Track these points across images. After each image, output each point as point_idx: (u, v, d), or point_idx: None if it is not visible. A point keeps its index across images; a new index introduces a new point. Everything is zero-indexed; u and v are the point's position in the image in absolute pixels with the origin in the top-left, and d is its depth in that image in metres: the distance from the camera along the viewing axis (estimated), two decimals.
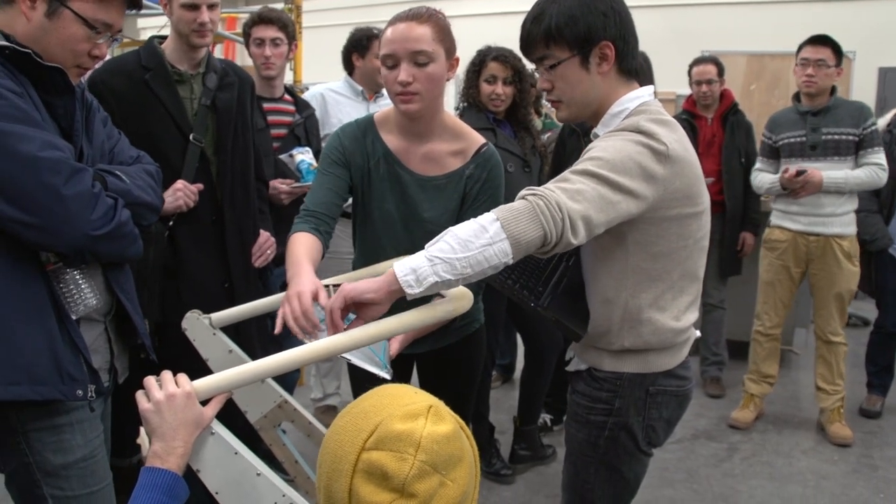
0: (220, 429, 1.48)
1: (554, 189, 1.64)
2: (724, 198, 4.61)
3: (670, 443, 4.06)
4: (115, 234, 1.83)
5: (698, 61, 4.80)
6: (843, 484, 3.74)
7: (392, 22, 2.15)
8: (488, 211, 1.65)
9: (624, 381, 1.91)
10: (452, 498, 1.11)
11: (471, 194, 2.28)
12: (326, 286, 1.86)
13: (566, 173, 1.71)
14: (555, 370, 4.07)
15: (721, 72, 4.74)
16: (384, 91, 4.05)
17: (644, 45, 4.10)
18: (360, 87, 4.05)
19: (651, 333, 1.87)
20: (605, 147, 1.74)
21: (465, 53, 3.59)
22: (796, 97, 4.25)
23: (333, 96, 4.02)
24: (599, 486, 2.00)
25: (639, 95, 1.90)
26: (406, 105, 2.15)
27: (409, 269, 1.56)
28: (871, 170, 3.94)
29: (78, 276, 1.84)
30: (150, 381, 1.45)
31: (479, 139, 2.34)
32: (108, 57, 2.63)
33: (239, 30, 8.03)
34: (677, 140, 1.79)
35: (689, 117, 4.79)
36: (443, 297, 1.67)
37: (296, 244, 2.11)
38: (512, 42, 3.69)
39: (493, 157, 2.31)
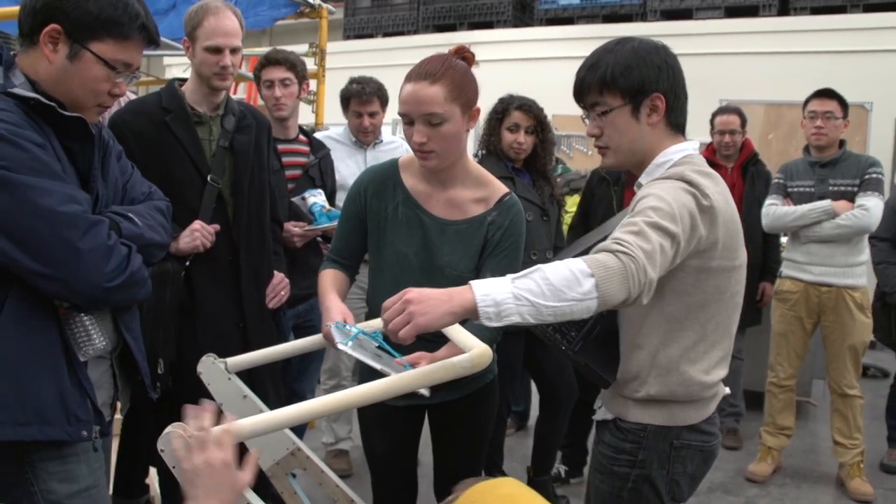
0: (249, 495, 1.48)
1: (637, 248, 1.64)
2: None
3: None
4: (129, 282, 1.87)
5: (722, 111, 4.80)
6: None
7: (407, 79, 2.16)
8: (509, 260, 1.96)
9: (648, 432, 1.91)
10: None
11: (492, 241, 2.28)
12: None
13: (640, 223, 1.70)
14: (572, 420, 4.04)
15: (744, 122, 4.75)
16: (382, 138, 4.09)
17: None
18: (355, 137, 4.09)
19: (678, 384, 1.87)
20: (663, 196, 1.76)
21: (485, 100, 3.63)
22: (806, 149, 4.28)
23: (331, 143, 4.04)
24: None
25: (683, 148, 1.96)
26: (424, 162, 2.20)
27: (492, 302, 1.55)
28: (852, 212, 3.95)
29: (87, 321, 1.88)
30: (191, 427, 1.42)
31: (501, 187, 2.36)
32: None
33: None
34: (720, 193, 1.85)
35: (710, 166, 4.76)
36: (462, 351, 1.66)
37: (323, 279, 2.28)
38: (530, 88, 3.74)
39: (515, 206, 2.33)
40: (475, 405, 2.44)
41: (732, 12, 8.42)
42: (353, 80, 4.04)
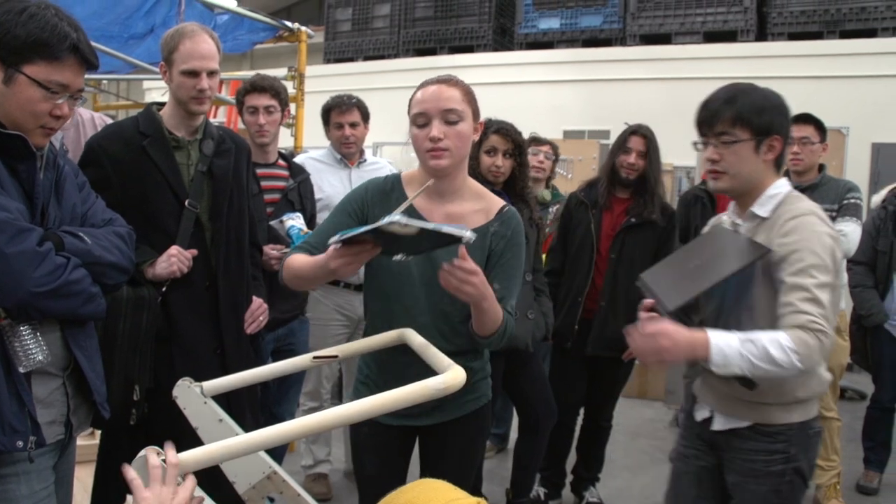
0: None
1: (823, 320, 1.99)
2: None
3: None
4: (62, 292, 1.91)
5: None
6: None
7: (422, 85, 2.29)
8: (513, 270, 2.25)
9: (794, 429, 2.20)
10: None
11: (496, 251, 2.33)
12: (316, 357, 1.89)
13: (811, 288, 2.03)
14: (550, 442, 4.04)
15: None
16: (366, 157, 4.11)
17: (645, 117, 4.20)
18: (339, 155, 4.09)
19: (816, 384, 2.20)
20: (816, 251, 2.09)
21: None
22: (787, 173, 4.30)
23: (314, 164, 4.05)
24: None
25: (784, 184, 2.28)
26: (436, 161, 2.23)
27: (723, 358, 1.97)
28: None
29: (25, 332, 1.90)
30: (145, 459, 1.42)
31: (499, 200, 2.44)
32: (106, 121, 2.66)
33: None
34: None
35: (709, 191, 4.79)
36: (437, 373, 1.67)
37: (296, 260, 2.24)
38: (510, 111, 3.77)
39: (515, 216, 2.40)
40: (468, 428, 2.44)
41: (711, 37, 8.54)
42: (332, 97, 4.08)
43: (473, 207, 2.37)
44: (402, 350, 2.14)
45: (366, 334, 2.36)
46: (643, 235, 3.77)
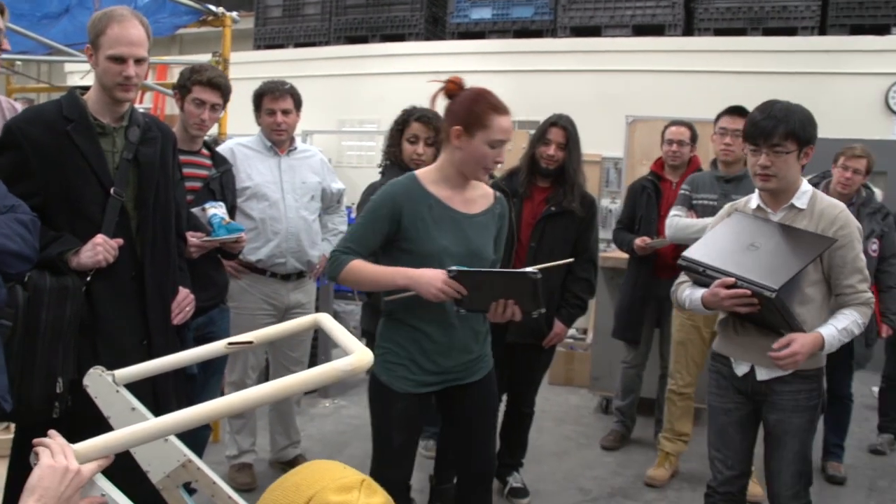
0: (106, 484, 1.46)
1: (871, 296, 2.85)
2: None
3: (585, 500, 4.09)
4: None
5: (674, 123, 4.90)
6: None
7: (501, 111, 2.74)
8: (505, 239, 2.96)
9: (821, 371, 2.90)
10: None
11: (499, 228, 2.90)
12: (231, 343, 1.89)
13: (865, 273, 2.83)
14: None
15: (694, 137, 4.85)
16: (297, 145, 4.10)
17: (571, 109, 4.25)
18: (269, 142, 4.06)
19: None
20: (857, 248, 2.81)
21: (392, 112, 3.66)
22: (714, 163, 4.39)
23: (243, 151, 4.03)
24: (811, 446, 2.95)
25: (806, 182, 2.90)
26: (486, 174, 2.83)
27: (830, 347, 2.72)
28: None
29: None
30: (55, 443, 1.42)
31: (490, 189, 2.96)
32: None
33: (169, 79, 8.01)
34: None
35: (656, 179, 4.89)
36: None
37: (365, 266, 2.71)
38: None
39: (505, 199, 2.97)
40: (490, 384, 2.98)
41: (640, 31, 8.64)
42: (265, 82, 4.06)
43: (479, 193, 2.87)
44: (441, 328, 2.73)
45: (386, 318, 2.87)
46: (563, 224, 3.83)
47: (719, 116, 4.30)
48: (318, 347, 5.69)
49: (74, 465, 1.38)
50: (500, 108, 2.73)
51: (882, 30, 7.85)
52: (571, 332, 6.90)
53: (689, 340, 4.38)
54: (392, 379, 2.79)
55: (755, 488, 4.27)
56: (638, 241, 4.60)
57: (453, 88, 2.84)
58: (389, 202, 2.74)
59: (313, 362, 5.17)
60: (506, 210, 2.92)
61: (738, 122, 4.19)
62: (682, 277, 3.11)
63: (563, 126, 3.84)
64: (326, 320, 2.00)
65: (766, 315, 2.73)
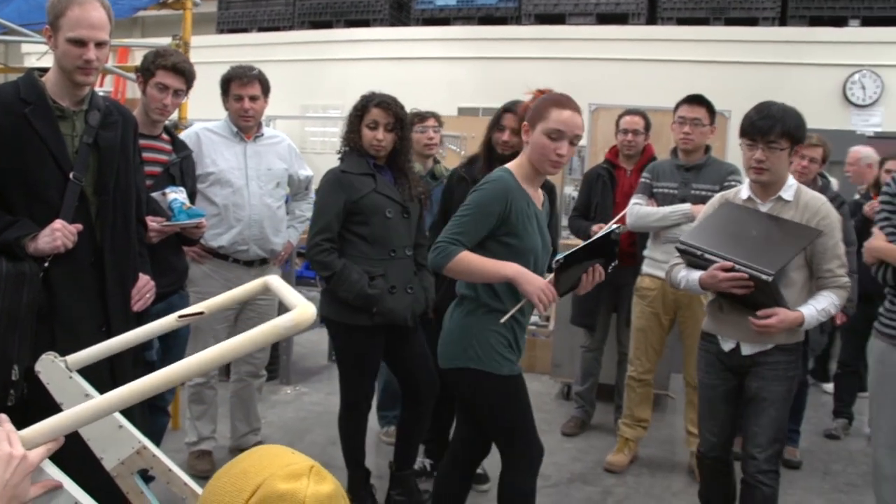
0: (62, 477, 1.45)
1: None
2: (636, 249, 4.71)
3: (545, 486, 4.11)
4: None
5: (628, 112, 4.94)
6: None
7: (564, 106, 2.84)
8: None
9: (799, 346, 3.20)
10: None
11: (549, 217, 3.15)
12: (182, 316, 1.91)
13: (843, 258, 3.13)
14: (434, 414, 4.09)
15: (648, 126, 4.90)
16: (264, 131, 4.08)
17: None
18: (235, 128, 4.03)
19: None
20: (837, 238, 3.09)
21: (356, 98, 3.64)
22: (674, 151, 4.43)
23: (209, 136, 3.99)
24: (787, 417, 3.27)
25: (792, 177, 3.23)
26: (555, 169, 2.90)
27: (808, 325, 3.04)
28: None
29: None
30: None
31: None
32: None
33: (130, 62, 7.89)
34: None
35: (610, 167, 4.93)
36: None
37: (474, 258, 2.82)
38: (405, 87, 3.78)
39: (552, 191, 3.27)
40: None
41: (603, 19, 8.68)
42: (233, 67, 4.02)
43: (539, 192, 3.05)
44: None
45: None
46: None
47: (678, 106, 4.34)
48: (279, 344, 5.65)
49: (19, 450, 1.37)
50: (562, 103, 2.85)
51: (840, 21, 7.97)
52: (534, 319, 6.94)
53: (649, 327, 4.42)
54: (513, 367, 2.94)
55: None
56: (594, 228, 4.63)
57: (537, 95, 3.06)
58: (503, 198, 2.84)
59: (274, 355, 5.17)
60: (550, 203, 3.19)
61: (695, 110, 4.24)
62: (676, 259, 3.30)
63: (516, 112, 3.85)
64: (274, 281, 1.99)
65: (757, 296, 2.99)
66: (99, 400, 1.44)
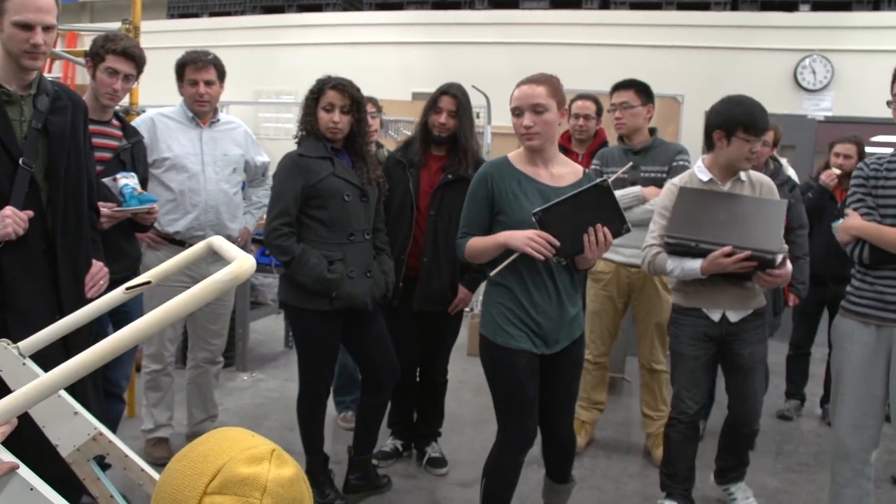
0: (11, 458, 1.43)
1: None
2: None
3: None
4: None
5: (579, 97, 4.95)
6: None
7: (518, 85, 3.04)
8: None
9: (765, 308, 3.57)
10: None
11: None
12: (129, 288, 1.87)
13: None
14: (400, 397, 4.12)
15: (599, 110, 4.92)
16: (220, 117, 4.05)
17: (489, 81, 4.25)
18: (191, 113, 3.99)
19: None
20: None
21: (309, 83, 3.62)
22: (620, 138, 4.47)
23: (164, 121, 3.95)
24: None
25: None
26: (529, 142, 3.03)
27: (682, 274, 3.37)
28: (659, 198, 4.18)
29: None
30: None
31: (579, 166, 3.26)
32: None
33: (79, 47, 7.76)
34: None
35: (562, 152, 4.90)
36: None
37: (476, 240, 3.08)
38: (359, 72, 3.76)
39: (591, 176, 3.19)
40: (578, 350, 3.22)
41: (557, 3, 8.71)
42: (188, 52, 3.98)
43: (567, 170, 3.15)
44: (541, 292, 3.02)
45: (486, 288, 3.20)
46: (460, 191, 3.84)
47: (610, 93, 4.39)
48: (235, 331, 5.64)
49: None
50: (520, 82, 3.06)
51: (791, 6, 8.08)
52: None
53: (604, 311, 4.46)
54: (516, 340, 3.03)
55: None
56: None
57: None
58: (483, 182, 3.10)
59: (231, 342, 5.13)
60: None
61: (621, 95, 4.30)
62: (653, 248, 3.46)
63: (453, 94, 3.88)
64: (217, 240, 1.98)
65: (755, 271, 3.28)
66: (48, 376, 1.42)
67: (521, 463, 3.22)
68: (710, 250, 3.24)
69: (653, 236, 3.50)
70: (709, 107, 3.57)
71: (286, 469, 1.15)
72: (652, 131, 4.36)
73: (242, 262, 1.56)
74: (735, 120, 3.34)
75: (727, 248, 3.19)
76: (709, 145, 3.51)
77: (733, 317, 3.46)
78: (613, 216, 2.92)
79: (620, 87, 4.33)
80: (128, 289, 1.94)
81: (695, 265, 3.30)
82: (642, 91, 4.29)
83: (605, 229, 2.91)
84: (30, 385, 1.42)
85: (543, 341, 3.06)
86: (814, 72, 7.92)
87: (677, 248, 3.36)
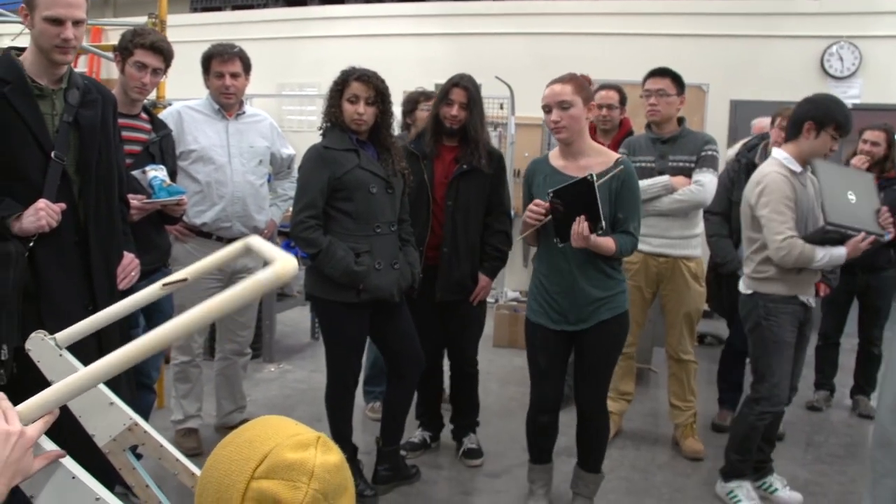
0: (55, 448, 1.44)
1: None
2: None
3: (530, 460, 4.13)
4: None
5: (602, 87, 4.91)
6: (695, 497, 3.91)
7: (548, 85, 3.32)
8: (629, 199, 3.31)
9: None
10: None
11: (615, 190, 3.28)
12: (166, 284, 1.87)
13: None
14: (425, 388, 4.13)
15: (623, 100, 4.88)
16: (246, 109, 4.06)
17: (510, 72, 4.23)
18: (217, 105, 4.00)
19: None
20: None
21: (333, 75, 3.62)
22: (648, 126, 4.43)
23: (190, 114, 3.96)
24: None
25: None
26: (558, 135, 3.32)
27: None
28: (688, 188, 4.16)
29: None
30: None
31: (615, 154, 3.45)
32: None
33: (104, 41, 7.80)
34: None
35: None
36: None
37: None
38: (381, 64, 3.75)
39: (628, 163, 3.36)
40: (609, 331, 3.40)
41: None
42: (214, 45, 4.00)
43: (598, 161, 3.32)
44: (560, 270, 3.33)
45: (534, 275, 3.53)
46: (475, 181, 3.90)
47: (645, 79, 4.34)
48: (262, 322, 5.67)
49: (17, 426, 1.35)
50: (554, 80, 3.32)
51: None
52: (515, 294, 6.97)
53: (632, 301, 4.36)
54: (534, 315, 3.46)
55: (696, 444, 4.39)
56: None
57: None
58: (526, 178, 3.53)
59: (258, 334, 5.15)
60: (626, 174, 3.28)
61: (659, 82, 4.25)
62: (797, 241, 3.46)
63: (464, 86, 3.88)
64: (255, 241, 1.94)
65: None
66: (89, 368, 1.42)
67: (542, 423, 3.59)
68: (850, 235, 3.42)
69: (789, 227, 3.47)
70: (734, 95, 3.61)
71: (332, 455, 1.16)
72: (680, 121, 4.32)
73: (285, 263, 1.52)
74: (830, 116, 3.48)
75: (863, 234, 3.41)
76: (793, 134, 3.58)
77: (813, 302, 3.69)
78: (594, 212, 3.11)
79: (657, 73, 4.28)
80: (165, 284, 1.94)
81: (841, 252, 3.45)
82: (677, 81, 4.25)
83: (585, 224, 3.12)
84: (74, 376, 1.42)
85: (564, 318, 3.37)
86: (841, 59, 7.80)
87: (831, 236, 3.45)
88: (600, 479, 3.66)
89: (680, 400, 4.44)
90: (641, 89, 4.36)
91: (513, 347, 6.36)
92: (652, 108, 4.25)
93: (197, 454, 3.98)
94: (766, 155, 4.28)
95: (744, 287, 3.78)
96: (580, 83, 3.29)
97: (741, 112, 7.68)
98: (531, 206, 3.27)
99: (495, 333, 6.51)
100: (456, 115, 3.87)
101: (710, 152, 4.20)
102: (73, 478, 1.43)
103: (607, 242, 3.22)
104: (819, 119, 3.48)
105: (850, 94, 7.68)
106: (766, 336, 3.62)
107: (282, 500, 1.09)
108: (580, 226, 3.12)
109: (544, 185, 3.33)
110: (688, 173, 4.18)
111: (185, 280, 1.91)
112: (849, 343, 5.47)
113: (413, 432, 4.36)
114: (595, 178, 3.08)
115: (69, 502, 1.43)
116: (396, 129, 4.21)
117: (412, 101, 4.77)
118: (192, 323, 1.45)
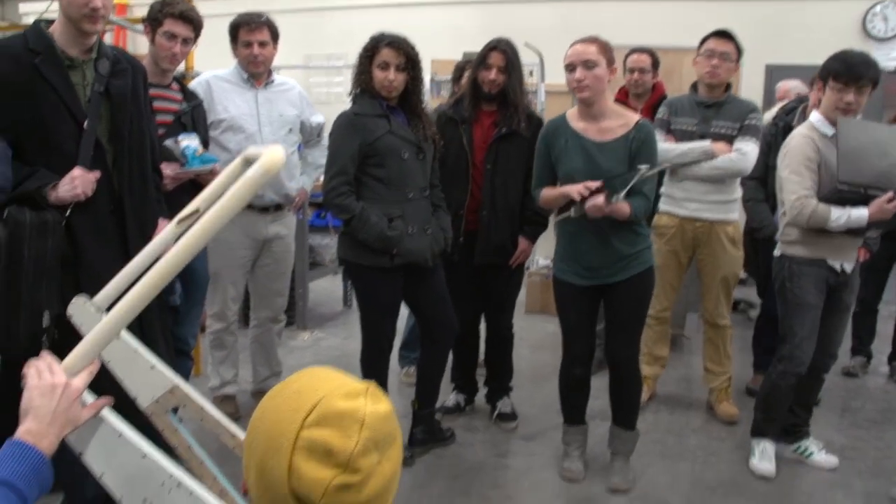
0: (105, 412, 1.47)
1: None
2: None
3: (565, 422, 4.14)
4: None
5: (634, 51, 4.85)
6: (729, 460, 3.90)
7: (572, 45, 3.33)
8: (648, 160, 3.28)
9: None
10: (387, 475, 1.15)
11: (635, 150, 3.32)
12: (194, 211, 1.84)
13: None
14: (461, 352, 4.13)
15: (656, 64, 4.81)
16: (274, 78, 4.07)
17: (541, 38, 4.18)
18: (246, 74, 3.99)
19: None
20: None
21: (360, 46, 3.61)
22: (694, 87, 4.34)
23: (220, 83, 3.96)
24: None
25: None
26: (580, 94, 3.30)
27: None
28: (729, 156, 4.09)
29: None
30: (40, 362, 1.42)
31: (635, 115, 3.44)
32: None
33: (129, 15, 7.81)
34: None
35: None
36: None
37: (547, 191, 3.52)
38: (409, 32, 3.72)
39: (647, 126, 3.39)
40: (637, 285, 3.48)
41: None
42: (241, 14, 3.99)
43: (618, 123, 3.36)
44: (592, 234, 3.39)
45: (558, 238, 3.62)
46: (515, 145, 3.87)
47: (704, 39, 4.23)
48: (295, 290, 5.70)
49: (61, 378, 1.38)
50: (579, 40, 3.33)
51: None
52: (546, 262, 6.94)
53: (667, 266, 4.37)
54: (562, 273, 3.55)
55: (731, 408, 4.37)
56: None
57: None
58: (543, 140, 3.52)
59: (291, 301, 5.18)
60: (644, 133, 3.33)
61: (725, 44, 4.11)
62: (810, 201, 3.44)
63: (502, 50, 3.83)
64: (249, 150, 1.85)
65: None
66: (114, 311, 1.44)
67: (576, 375, 3.68)
68: (874, 196, 3.34)
69: (804, 187, 3.45)
70: (769, 59, 3.57)
71: (382, 404, 1.17)
72: (727, 87, 4.24)
73: (272, 154, 1.47)
74: (826, 68, 3.47)
75: (890, 194, 3.31)
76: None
77: (848, 267, 3.61)
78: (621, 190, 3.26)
79: (723, 35, 4.15)
80: (180, 222, 1.89)
81: (862, 213, 3.37)
82: (738, 47, 4.15)
83: (602, 196, 3.20)
84: (102, 322, 1.45)
85: (594, 273, 3.45)
86: (885, 18, 7.55)
87: (847, 195, 3.37)
88: (636, 437, 3.67)
89: (715, 364, 4.42)
90: (698, 49, 4.23)
91: (545, 314, 6.35)
92: (713, 69, 4.12)
93: (235, 419, 4.03)
94: (804, 118, 4.19)
95: (776, 250, 3.74)
96: (604, 45, 3.30)
97: (777, 77, 7.51)
98: (585, 185, 3.23)
99: (527, 300, 6.51)
100: (494, 79, 3.83)
101: (753, 121, 4.12)
102: (120, 435, 1.46)
103: (622, 208, 3.25)
104: (822, 74, 3.49)
105: (893, 57, 7.50)
106: (788, 298, 3.62)
107: (333, 449, 1.09)
108: (598, 199, 3.19)
109: (566, 149, 3.39)
110: (730, 140, 4.10)
111: (196, 211, 1.85)
112: (887, 310, 5.41)
113: (448, 396, 4.39)
114: (646, 170, 3.24)
115: (116, 458, 1.46)
116: (427, 96, 4.19)
117: (460, 69, 4.71)
118: (205, 232, 1.43)
